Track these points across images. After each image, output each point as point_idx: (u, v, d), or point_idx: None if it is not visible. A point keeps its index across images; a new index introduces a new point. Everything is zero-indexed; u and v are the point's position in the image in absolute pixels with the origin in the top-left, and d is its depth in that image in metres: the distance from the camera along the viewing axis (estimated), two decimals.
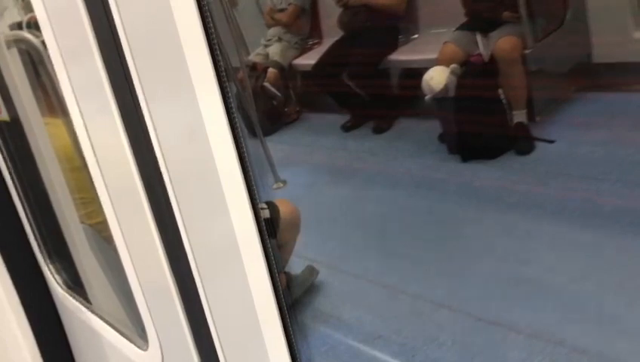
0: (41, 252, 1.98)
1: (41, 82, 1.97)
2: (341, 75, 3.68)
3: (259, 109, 3.81)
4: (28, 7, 1.78)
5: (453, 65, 2.90)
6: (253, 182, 0.90)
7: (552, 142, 2.73)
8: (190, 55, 0.85)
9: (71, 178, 1.99)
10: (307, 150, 3.76)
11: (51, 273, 1.97)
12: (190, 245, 1.03)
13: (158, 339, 1.29)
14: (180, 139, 0.97)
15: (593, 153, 2.52)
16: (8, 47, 1.92)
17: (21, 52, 1.95)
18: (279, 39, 4.34)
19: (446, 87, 2.87)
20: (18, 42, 1.92)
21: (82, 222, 2.05)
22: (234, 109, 0.87)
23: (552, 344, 1.85)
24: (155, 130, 0.97)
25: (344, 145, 3.64)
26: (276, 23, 4.39)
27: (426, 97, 2.92)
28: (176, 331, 1.18)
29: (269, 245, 0.93)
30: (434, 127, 3.05)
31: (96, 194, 1.24)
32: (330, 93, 3.87)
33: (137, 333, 1.44)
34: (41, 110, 1.97)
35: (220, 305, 1.06)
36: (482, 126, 2.79)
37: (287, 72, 4.27)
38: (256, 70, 4.20)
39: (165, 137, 0.97)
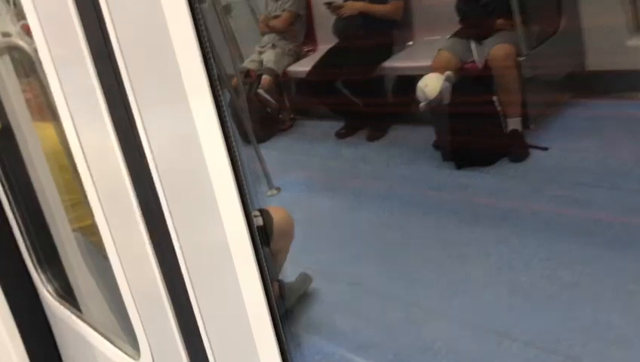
0: (32, 260, 1.97)
1: (32, 87, 1.97)
2: (335, 82, 3.69)
3: (253, 116, 3.81)
4: (20, 15, 1.78)
5: (447, 73, 2.91)
6: (246, 190, 0.89)
7: (545, 149, 2.74)
8: (183, 62, 0.84)
9: (59, 179, 1.98)
10: (301, 157, 3.76)
11: (42, 281, 1.96)
12: (182, 253, 1.02)
13: (150, 348, 1.27)
14: (172, 146, 0.97)
15: (587, 160, 2.53)
16: (0, 54, 1.91)
17: (13, 59, 1.94)
18: (273, 46, 4.34)
19: (440, 94, 2.88)
20: (10, 49, 1.91)
21: (73, 229, 2.03)
22: (227, 116, 0.87)
23: (547, 352, 1.85)
24: (147, 137, 0.96)
25: (338, 152, 3.64)
26: (270, 29, 4.39)
27: (421, 104, 2.93)
28: (168, 340, 1.17)
29: (262, 253, 0.93)
30: (428, 134, 3.06)
31: (85, 195, 1.23)
32: (325, 101, 3.88)
33: (129, 342, 1.43)
34: (31, 114, 1.96)
35: (212, 314, 1.05)
36: (477, 133, 2.80)
37: (281, 79, 4.27)
38: (250, 77, 4.20)
39: (158, 144, 0.96)
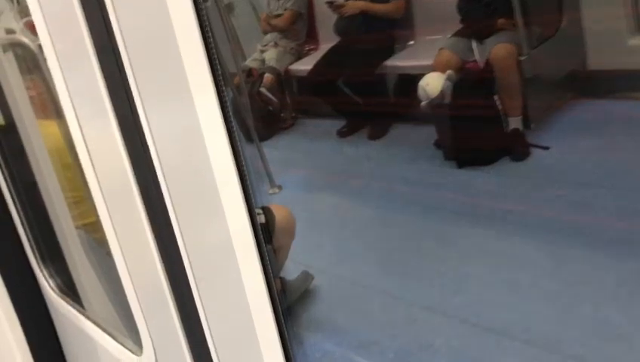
0: (35, 256, 1.97)
1: (35, 85, 1.97)
2: (337, 81, 3.69)
3: (255, 115, 3.81)
4: (24, 11, 1.78)
5: (448, 72, 2.91)
6: (249, 187, 0.90)
7: (547, 148, 2.74)
8: (187, 60, 0.85)
9: (63, 176, 1.99)
10: (303, 155, 3.76)
11: (44, 277, 1.96)
12: (186, 249, 1.03)
13: (152, 345, 1.28)
14: (176, 142, 0.97)
15: (588, 160, 2.53)
16: (4, 51, 1.91)
17: (17, 56, 1.94)
18: (275, 44, 4.34)
19: (442, 93, 2.88)
20: (14, 46, 1.91)
21: (76, 226, 2.04)
22: (231, 114, 0.87)
23: (547, 351, 1.85)
24: (151, 134, 0.96)
25: (339, 150, 3.64)
26: (272, 28, 4.40)
27: (422, 103, 2.93)
28: (170, 336, 1.17)
29: (265, 250, 0.93)
30: (430, 133, 3.06)
31: (88, 193, 1.24)
32: (326, 99, 3.88)
33: (131, 338, 1.44)
34: (34, 112, 1.97)
35: (215, 310, 1.06)
36: (478, 132, 2.80)
37: (283, 78, 4.27)
38: (252, 75, 4.20)
39: (162, 142, 0.97)
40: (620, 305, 1.89)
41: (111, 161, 1.10)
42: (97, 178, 1.20)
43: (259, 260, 0.92)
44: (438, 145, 3.07)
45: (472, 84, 2.99)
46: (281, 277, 2.31)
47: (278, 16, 4.36)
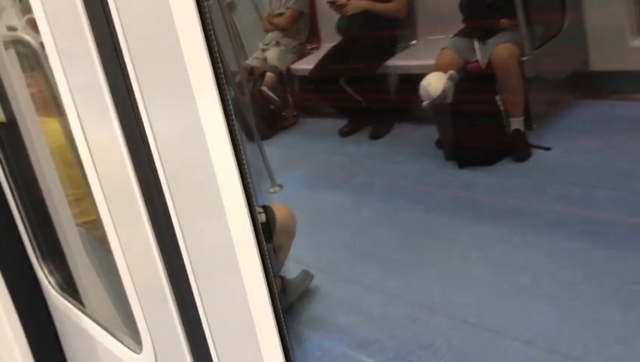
0: (35, 253, 1.97)
1: (37, 82, 1.97)
2: (339, 80, 3.69)
3: (256, 113, 3.81)
4: (26, 9, 1.78)
5: (450, 72, 2.91)
6: (250, 186, 0.90)
7: (548, 149, 2.74)
8: (189, 58, 0.85)
9: (63, 173, 1.99)
10: (304, 154, 3.76)
11: (45, 275, 1.96)
12: (186, 248, 1.03)
13: (152, 343, 1.28)
14: (177, 140, 0.97)
15: (589, 161, 2.52)
16: (6, 48, 1.91)
17: (18, 53, 1.95)
18: (277, 43, 4.34)
19: (443, 93, 2.88)
20: (15, 43, 1.92)
21: (76, 223, 2.04)
22: (232, 113, 0.87)
23: (547, 352, 1.85)
24: (152, 132, 0.96)
25: (341, 150, 3.64)
26: (274, 27, 4.40)
27: (424, 103, 2.92)
28: (170, 335, 1.17)
29: (265, 249, 0.93)
30: (431, 133, 3.05)
31: (89, 191, 1.24)
32: (328, 98, 3.88)
33: (131, 336, 1.44)
34: (35, 109, 1.97)
35: (215, 309, 1.06)
36: (479, 132, 2.80)
37: (284, 77, 4.27)
38: (254, 74, 4.20)
39: (163, 140, 0.97)
40: (621, 306, 1.89)
41: (112, 159, 1.10)
42: (98, 176, 1.20)
43: (259, 259, 0.92)
44: (439, 145, 3.07)
45: (473, 84, 2.99)
46: (281, 276, 2.31)
47: (280, 14, 4.36)
